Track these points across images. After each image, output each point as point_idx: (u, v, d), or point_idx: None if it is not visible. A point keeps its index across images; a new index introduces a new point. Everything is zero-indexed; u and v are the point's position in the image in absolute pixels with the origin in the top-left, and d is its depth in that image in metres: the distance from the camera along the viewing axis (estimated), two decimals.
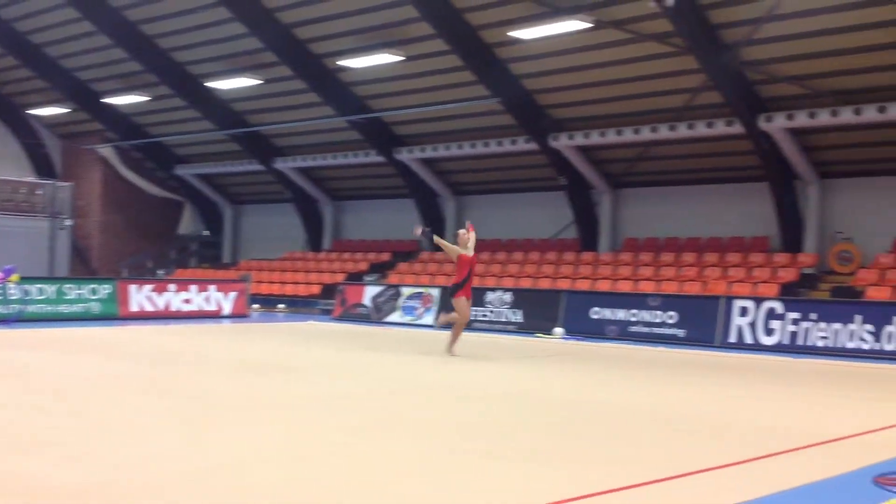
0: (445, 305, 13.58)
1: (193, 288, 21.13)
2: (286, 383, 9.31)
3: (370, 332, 17.76)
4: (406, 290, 21.16)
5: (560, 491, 4.73)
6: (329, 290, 24.75)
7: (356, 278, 25.32)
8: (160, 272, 31.44)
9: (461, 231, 13.06)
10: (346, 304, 21.93)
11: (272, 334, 16.52)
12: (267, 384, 9.16)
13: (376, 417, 7.17)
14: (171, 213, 33.85)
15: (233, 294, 21.71)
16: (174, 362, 11.15)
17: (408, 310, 20.77)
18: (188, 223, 33.94)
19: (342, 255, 28.57)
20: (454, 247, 12.86)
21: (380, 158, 26.21)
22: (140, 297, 20.06)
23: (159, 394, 8.20)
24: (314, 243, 30.64)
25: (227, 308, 21.51)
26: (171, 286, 20.91)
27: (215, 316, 21.09)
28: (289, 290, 26.63)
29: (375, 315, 21.20)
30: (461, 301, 12.83)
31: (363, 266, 27.16)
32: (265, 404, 7.74)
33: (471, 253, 12.88)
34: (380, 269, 26.53)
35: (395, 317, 20.89)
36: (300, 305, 25.81)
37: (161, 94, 27.85)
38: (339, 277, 25.69)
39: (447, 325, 13.38)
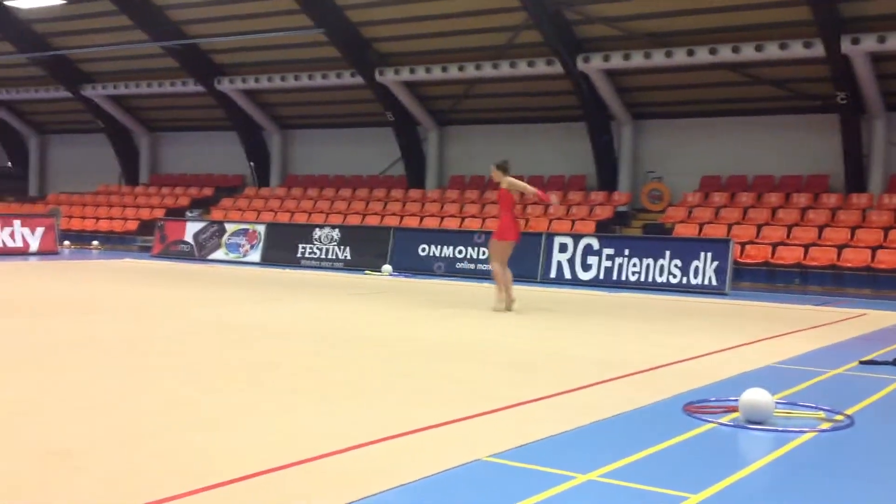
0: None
1: None
2: (93, 324, 8.86)
3: (192, 270, 17.20)
4: (230, 227, 20.59)
5: (377, 430, 4.72)
6: (148, 227, 23.74)
7: (177, 214, 24.39)
8: None
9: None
10: (166, 240, 21.10)
11: (84, 272, 15.68)
12: (71, 325, 8.69)
13: (192, 359, 6.96)
14: None
15: (40, 230, 20.42)
16: None
17: (232, 247, 20.25)
18: None
19: (161, 190, 27.40)
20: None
21: (199, 88, 25.13)
22: None
23: None
24: (130, 177, 29.18)
25: (35, 245, 20.24)
26: None
27: (21, 253, 19.81)
28: (103, 225, 25.34)
29: (198, 252, 20.55)
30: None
31: (184, 201, 26.18)
32: (66, 347, 7.33)
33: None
34: (202, 205, 25.67)
35: (218, 254, 20.32)
36: (116, 242, 24.65)
37: None
38: (159, 213, 24.68)
39: None
